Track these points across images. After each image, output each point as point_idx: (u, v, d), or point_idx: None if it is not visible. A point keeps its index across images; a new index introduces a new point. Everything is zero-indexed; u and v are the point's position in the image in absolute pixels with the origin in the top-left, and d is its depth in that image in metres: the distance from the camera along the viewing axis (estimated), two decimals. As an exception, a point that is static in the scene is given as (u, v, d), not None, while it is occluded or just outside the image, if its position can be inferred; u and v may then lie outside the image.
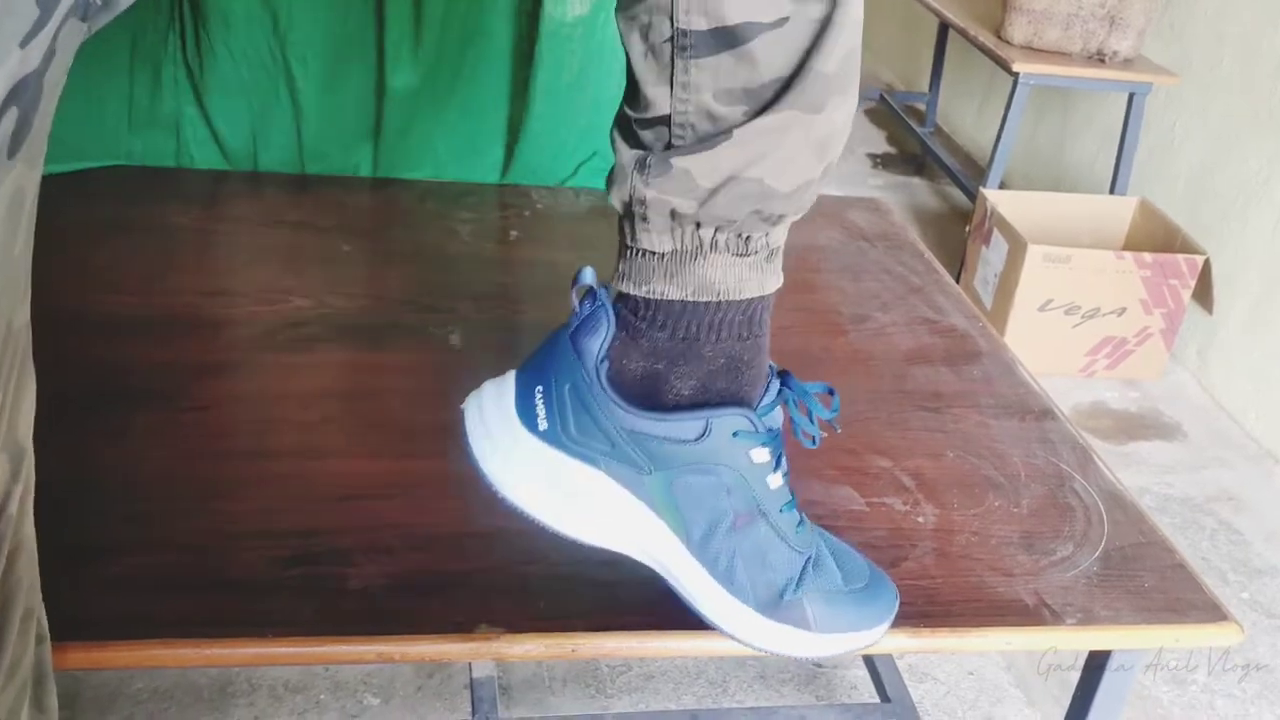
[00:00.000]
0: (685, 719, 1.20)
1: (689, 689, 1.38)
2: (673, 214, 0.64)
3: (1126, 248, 2.34)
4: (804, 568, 0.70)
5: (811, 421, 0.71)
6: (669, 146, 0.63)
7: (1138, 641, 0.80)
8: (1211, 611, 0.81)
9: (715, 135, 0.62)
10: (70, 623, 0.66)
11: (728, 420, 0.66)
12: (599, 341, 0.67)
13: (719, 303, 0.66)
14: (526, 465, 0.69)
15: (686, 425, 0.66)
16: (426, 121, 1.35)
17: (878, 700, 1.29)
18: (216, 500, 0.79)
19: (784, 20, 0.59)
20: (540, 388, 0.69)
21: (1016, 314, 2.13)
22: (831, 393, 0.72)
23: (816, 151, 0.64)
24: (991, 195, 2.29)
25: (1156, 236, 2.27)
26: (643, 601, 0.74)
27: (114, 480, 0.80)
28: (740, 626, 0.70)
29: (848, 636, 0.71)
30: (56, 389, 0.89)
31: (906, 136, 3.40)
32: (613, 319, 0.67)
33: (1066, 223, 2.32)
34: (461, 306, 1.08)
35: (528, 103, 1.32)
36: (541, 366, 0.69)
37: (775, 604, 0.69)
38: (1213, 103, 2.29)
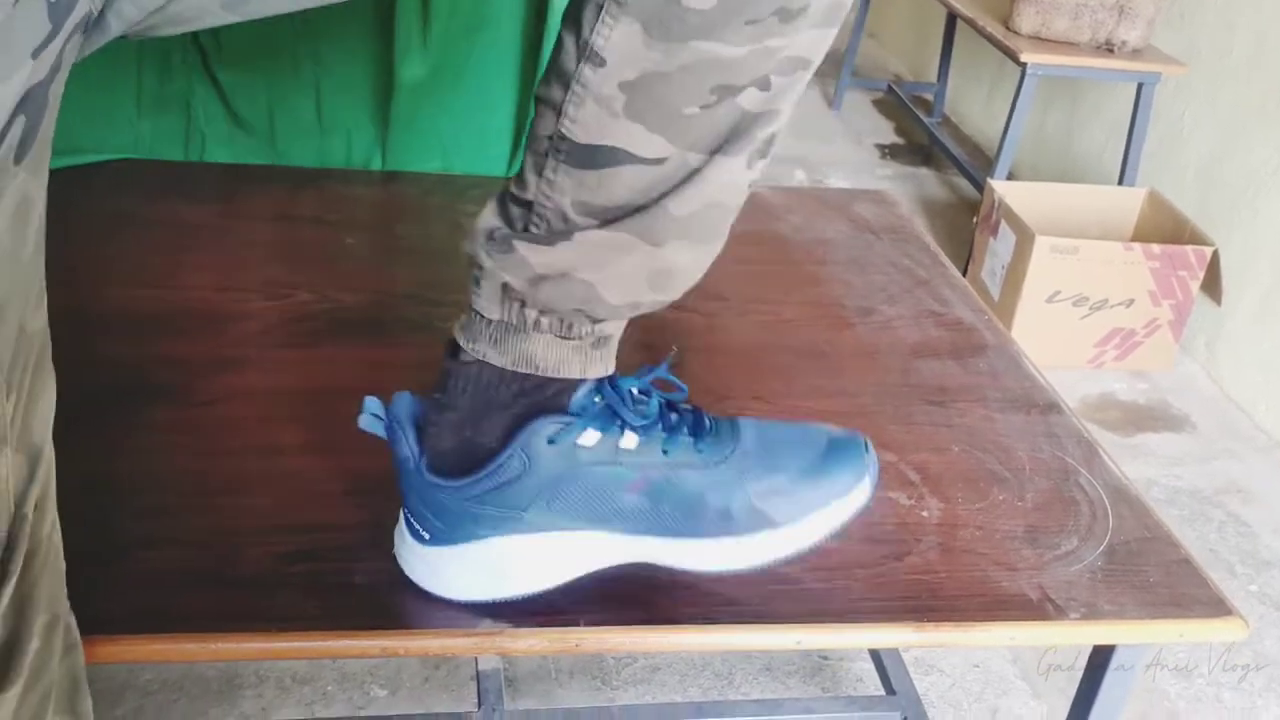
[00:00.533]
0: (691, 711, 1.21)
1: (695, 681, 1.39)
2: (504, 287, 0.66)
3: (1135, 239, 2.33)
4: (727, 470, 0.70)
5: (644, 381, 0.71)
6: (524, 229, 0.65)
7: (1141, 636, 0.80)
8: (1216, 606, 0.81)
9: (562, 233, 0.64)
10: (81, 618, 0.67)
11: (534, 437, 0.67)
12: (408, 448, 0.69)
13: (537, 377, 0.68)
14: (442, 571, 0.72)
15: (506, 467, 0.68)
16: (434, 114, 1.35)
17: (883, 692, 1.29)
18: (225, 496, 0.80)
19: (661, 160, 0.62)
20: (405, 510, 0.72)
21: (1024, 305, 2.13)
22: (667, 364, 0.72)
23: (651, 281, 0.66)
24: (999, 186, 2.29)
25: (1165, 227, 2.26)
26: (645, 595, 0.75)
27: (123, 477, 0.81)
28: (715, 559, 0.71)
29: (824, 511, 0.72)
30: (64, 385, 0.90)
31: (914, 127, 3.39)
32: (409, 424, 0.69)
33: (1074, 214, 2.32)
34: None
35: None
36: (401, 491, 0.72)
37: (729, 521, 0.70)
38: (1222, 92, 2.28)
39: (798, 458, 0.73)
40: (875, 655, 1.34)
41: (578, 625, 0.72)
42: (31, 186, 0.46)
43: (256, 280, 1.08)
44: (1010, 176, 2.52)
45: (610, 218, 0.64)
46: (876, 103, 3.61)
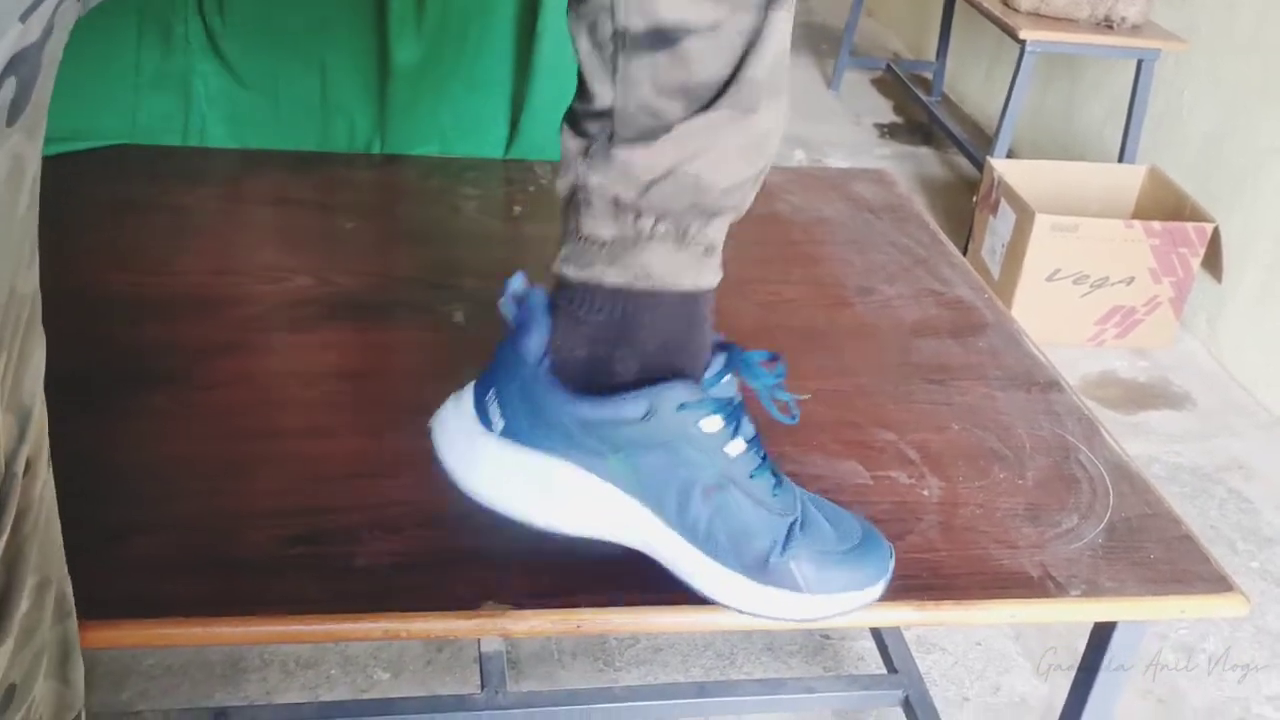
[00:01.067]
0: (693, 691, 1.21)
1: (697, 661, 1.39)
2: (615, 201, 0.67)
3: (1135, 216, 2.33)
4: (788, 530, 0.71)
5: (766, 390, 0.72)
6: (612, 138, 0.66)
7: (1143, 613, 0.80)
8: (1218, 583, 0.81)
9: (655, 130, 0.65)
10: (82, 602, 0.67)
11: (670, 394, 0.68)
12: (537, 340, 0.69)
13: (656, 290, 0.68)
14: (493, 466, 0.72)
15: (630, 405, 0.68)
16: (431, 97, 1.34)
17: (885, 671, 1.30)
18: (225, 480, 0.80)
19: (716, 26, 0.63)
20: (493, 391, 0.71)
21: (1024, 284, 2.12)
22: (775, 359, 0.73)
23: (751, 151, 0.67)
24: (998, 165, 2.28)
25: (1166, 205, 2.26)
26: (647, 576, 0.75)
27: (123, 462, 0.81)
28: (730, 593, 0.71)
29: (841, 597, 0.72)
30: (65, 370, 0.90)
31: (914, 106, 3.38)
32: (547, 317, 0.69)
33: (1074, 191, 2.31)
34: (466, 283, 1.08)
35: (531, 77, 1.32)
36: (492, 373, 0.72)
37: (762, 568, 0.70)
38: (1223, 69, 2.27)
39: (837, 543, 0.73)
40: (877, 634, 1.34)
41: (580, 606, 0.73)
42: (26, 149, 0.45)
43: (255, 264, 1.08)
44: (1010, 154, 2.52)
45: (699, 99, 0.64)
46: (875, 82, 3.59)
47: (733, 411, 0.71)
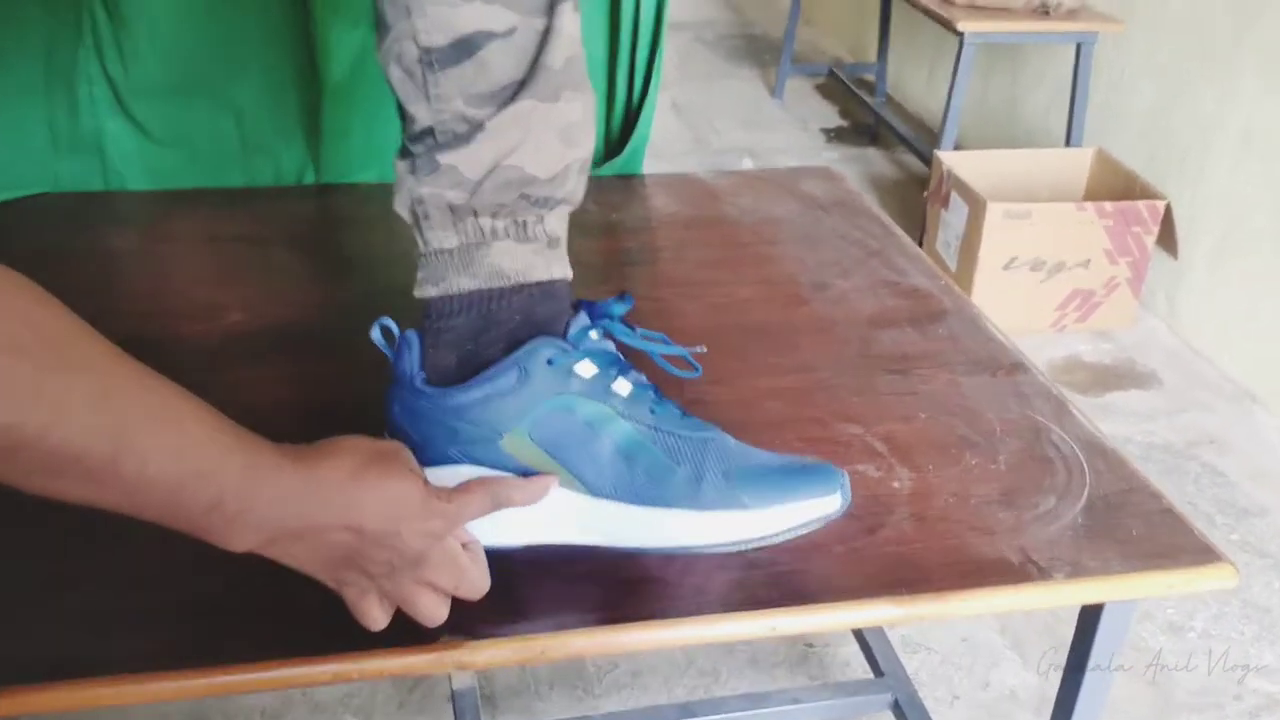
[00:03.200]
0: (677, 713, 1.17)
1: (680, 681, 1.35)
2: (450, 208, 0.71)
3: (1086, 199, 2.32)
4: (708, 448, 0.71)
5: (654, 351, 0.75)
6: (434, 149, 0.70)
7: (1129, 591, 0.77)
8: (1204, 554, 0.78)
9: (471, 132, 0.69)
10: (11, 666, 0.63)
11: (537, 353, 0.69)
12: (408, 361, 0.70)
13: (510, 287, 0.72)
14: None
15: (501, 377, 0.68)
16: (367, 121, 1.30)
17: (872, 676, 1.26)
18: (154, 528, 0.75)
19: (511, 30, 0.68)
20: (386, 431, 0.72)
21: (981, 274, 2.11)
22: (623, 296, 0.74)
23: (562, 139, 0.72)
24: (947, 157, 2.27)
25: (1115, 186, 2.26)
26: (610, 595, 0.71)
27: (53, 515, 0.76)
28: (674, 533, 0.70)
29: (792, 507, 0.71)
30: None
31: (858, 108, 3.38)
32: (417, 341, 0.71)
33: (1024, 179, 2.31)
34: (411, 304, 1.04)
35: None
36: (385, 414, 0.72)
37: (695, 496, 0.70)
38: (1161, 46, 2.28)
39: (775, 460, 0.73)
40: (861, 638, 1.31)
41: (541, 632, 0.69)
42: None
43: (186, 304, 1.03)
44: (957, 148, 2.51)
45: (504, 98, 0.69)
46: (819, 87, 3.59)
47: (609, 359, 0.71)
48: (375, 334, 0.71)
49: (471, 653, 0.67)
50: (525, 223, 0.72)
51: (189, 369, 0.93)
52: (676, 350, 0.76)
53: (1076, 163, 2.35)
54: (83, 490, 0.51)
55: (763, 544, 0.71)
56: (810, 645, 1.41)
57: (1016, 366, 1.00)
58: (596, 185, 1.31)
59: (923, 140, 2.84)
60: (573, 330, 0.71)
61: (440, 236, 0.72)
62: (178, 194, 1.26)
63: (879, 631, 1.30)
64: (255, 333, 0.99)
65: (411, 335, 0.71)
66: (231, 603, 0.69)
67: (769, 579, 0.73)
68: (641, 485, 0.69)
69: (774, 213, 1.27)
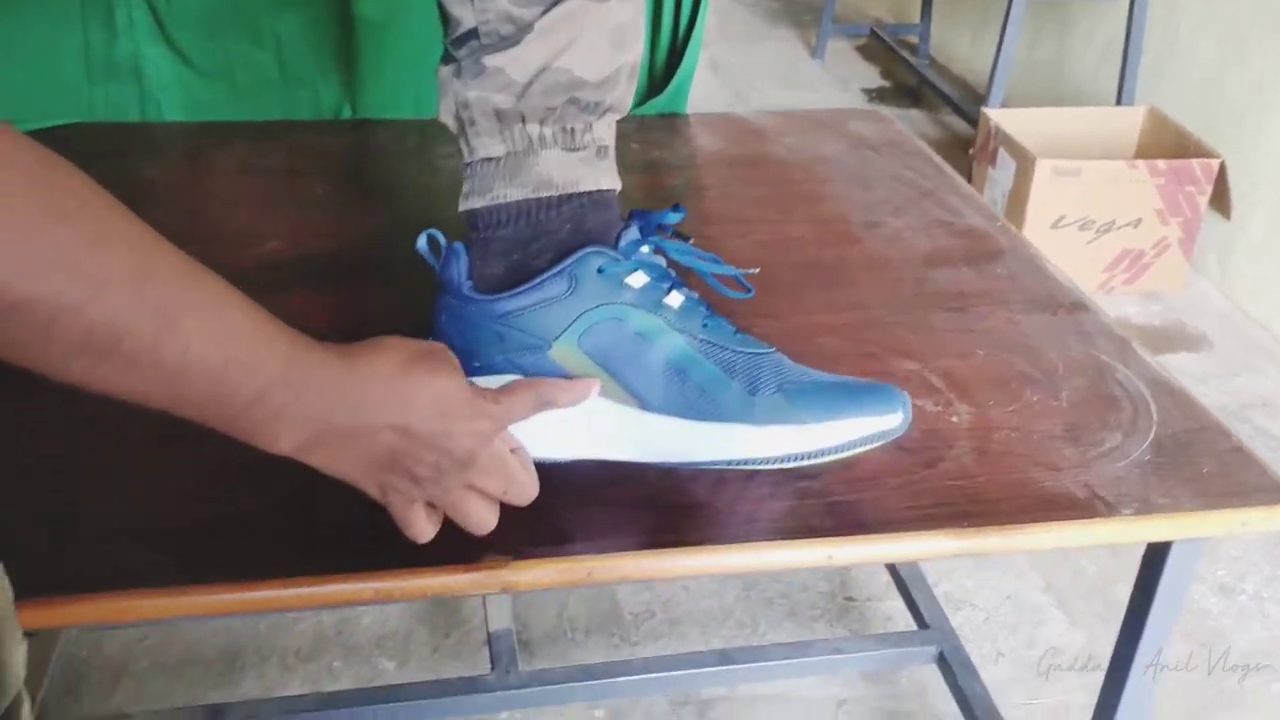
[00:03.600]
0: (715, 659, 1.15)
1: (717, 631, 1.33)
2: (497, 113, 0.68)
3: (1137, 159, 2.26)
4: (762, 364, 0.68)
5: (706, 271, 0.72)
6: (480, 51, 0.68)
7: (1202, 529, 0.73)
8: (1278, 493, 0.75)
9: (518, 33, 0.67)
10: (48, 579, 0.61)
11: (585, 262, 0.67)
12: (456, 269, 0.68)
13: (559, 196, 0.69)
14: None
15: (550, 284, 0.67)
16: (401, 57, 1.28)
17: (915, 628, 1.23)
18: (189, 445, 0.72)
19: None
20: (431, 339, 0.70)
21: (1028, 233, 2.06)
22: (676, 207, 0.71)
23: (612, 41, 0.69)
24: (994, 114, 2.22)
25: (1167, 145, 2.19)
26: (659, 519, 0.69)
27: (89, 434, 0.74)
28: (728, 448, 0.68)
29: (851, 422, 0.68)
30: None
31: (901, 69, 3.31)
32: (464, 251, 0.69)
33: (1073, 138, 2.25)
34: (453, 234, 1.02)
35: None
36: (432, 324, 0.71)
37: (748, 409, 0.67)
38: (1219, 1, 2.21)
39: (833, 379, 0.71)
40: (904, 591, 1.28)
41: (588, 554, 0.66)
42: None
43: (223, 232, 1.01)
44: (1003, 107, 2.45)
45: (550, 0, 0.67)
46: (860, 48, 3.53)
47: (661, 272, 0.69)
48: (421, 244, 0.69)
49: (515, 573, 0.65)
50: (574, 130, 0.70)
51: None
52: (729, 270, 0.73)
53: (1128, 121, 2.29)
54: (123, 377, 0.49)
55: (819, 460, 0.68)
56: (851, 599, 1.39)
57: (1078, 305, 0.96)
58: (639, 124, 1.28)
59: (967, 102, 2.78)
60: (624, 241, 0.69)
61: (486, 144, 0.70)
62: (214, 125, 1.24)
63: (923, 584, 1.27)
64: (291, 261, 0.97)
65: (459, 246, 0.69)
66: (272, 521, 0.67)
67: (824, 509, 0.71)
68: (693, 399, 0.67)
69: (822, 152, 1.23)
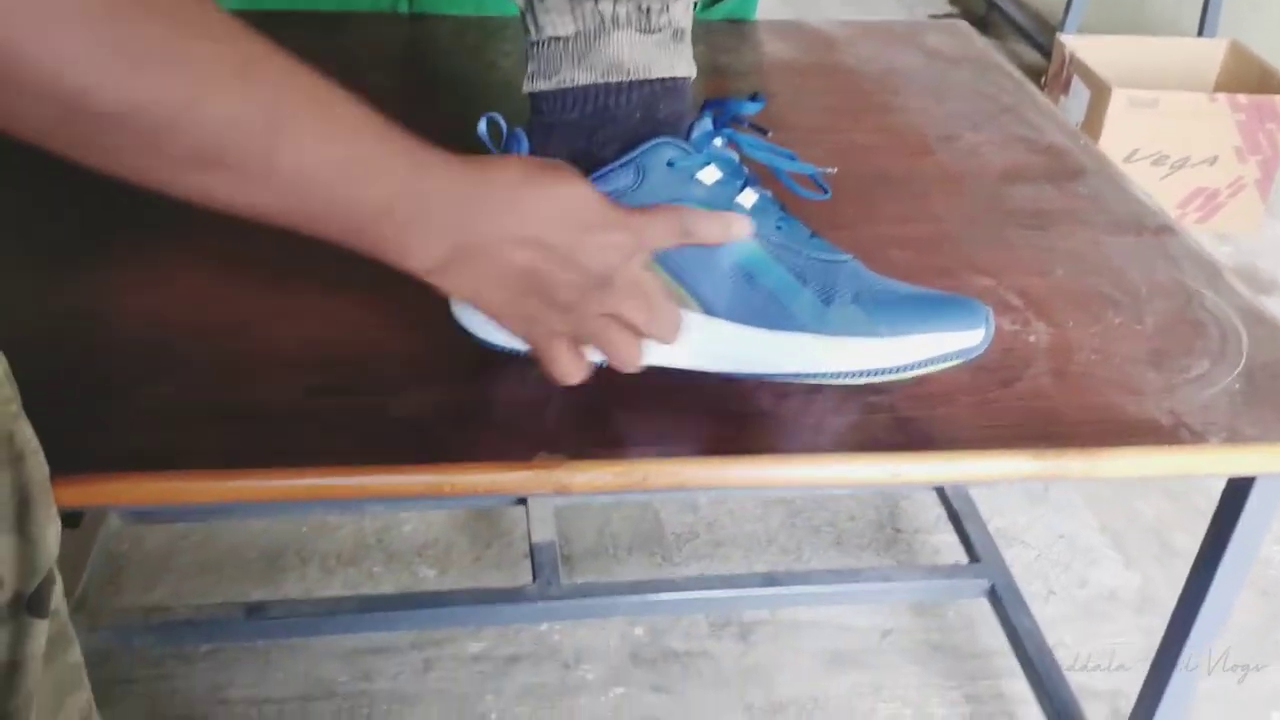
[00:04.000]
0: (760, 582, 1.13)
1: (760, 556, 1.30)
2: None
3: (1218, 91, 2.17)
4: (838, 271, 0.64)
5: (781, 169, 0.68)
6: None
7: (1293, 462, 0.69)
8: (1377, 429, 0.70)
9: None
10: (76, 457, 0.58)
11: (655, 153, 0.63)
12: (517, 150, 0.65)
13: (629, 82, 0.65)
14: None
15: (617, 175, 0.63)
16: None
17: (967, 562, 1.20)
18: (240, 325, 0.71)
19: None
20: None
21: (1098, 167, 1.98)
22: (755, 96, 0.67)
23: None
24: (1070, 41, 2.13)
25: (1249, 81, 2.10)
26: (719, 425, 0.66)
27: (125, 310, 0.72)
28: (796, 359, 0.64)
29: (931, 337, 0.64)
30: (60, 216, 0.81)
31: (970, -4, 3.20)
32: (524, 135, 0.65)
33: (1150, 70, 2.15)
34: (512, 122, 0.98)
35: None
36: None
37: (821, 317, 0.63)
38: (1314, -71, 2.10)
39: (913, 289, 0.67)
40: (957, 523, 1.25)
41: (646, 458, 0.63)
42: None
43: (274, 120, 0.98)
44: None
45: None
46: (928, -26, 3.41)
47: (734, 167, 0.65)
48: (482, 129, 0.65)
49: (570, 473, 0.62)
50: (649, 9, 0.65)
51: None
52: (806, 168, 0.68)
53: (1208, 54, 2.19)
54: (235, 188, 0.46)
55: (894, 376, 0.65)
56: (899, 530, 1.36)
57: (1164, 229, 0.91)
58: (705, 29, 1.22)
59: (1039, 30, 2.68)
60: (696, 133, 0.65)
61: (555, 21, 0.65)
62: (270, 14, 1.20)
63: (976, 518, 1.24)
64: (346, 151, 0.94)
65: (519, 131, 0.65)
66: (318, 407, 0.65)
67: (892, 424, 0.67)
68: (762, 305, 0.63)
69: (896, 64, 1.18)
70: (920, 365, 0.65)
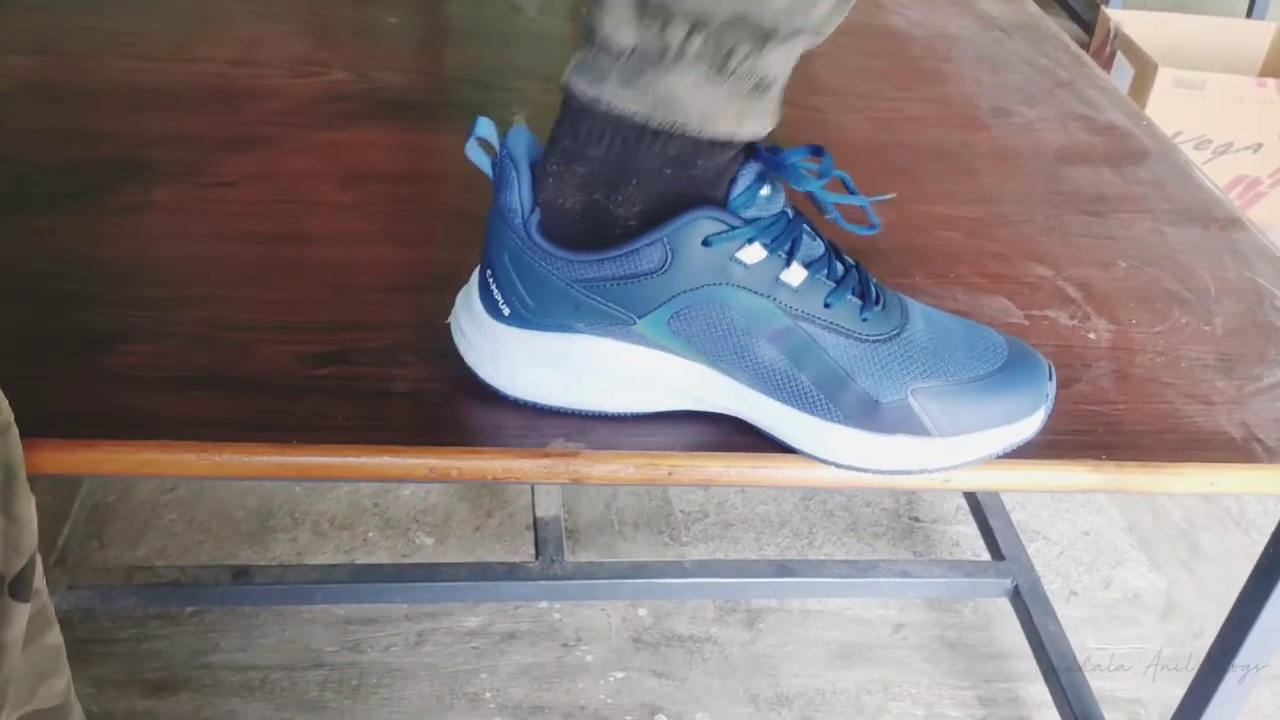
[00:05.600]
0: (772, 570, 1.07)
1: (771, 540, 1.25)
2: None
3: (1264, 75, 2.09)
4: (889, 355, 0.56)
5: (824, 197, 0.55)
6: None
7: (1377, 487, 0.64)
8: None
9: None
10: (67, 419, 0.54)
11: (691, 229, 0.53)
12: (520, 193, 0.55)
13: (671, 132, 0.52)
14: (514, 355, 0.57)
15: (642, 255, 0.53)
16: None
17: (988, 558, 1.15)
18: (237, 287, 0.65)
19: None
20: (489, 272, 0.58)
21: (1138, 148, 1.91)
22: (819, 153, 0.55)
23: None
24: (1115, 14, 2.05)
25: (1299, 66, 2.02)
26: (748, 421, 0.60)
27: (125, 261, 0.66)
28: (838, 450, 0.56)
29: (985, 435, 0.57)
30: (68, 161, 0.75)
31: (1007, -36, 3.10)
32: (527, 164, 0.55)
33: (1195, 49, 2.07)
34: (528, 86, 0.91)
35: None
36: (486, 247, 0.58)
37: (872, 413, 0.55)
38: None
39: (971, 366, 0.57)
40: (980, 517, 1.19)
41: (670, 450, 0.58)
42: None
43: (282, 56, 0.92)
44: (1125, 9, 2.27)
45: None
46: (965, -61, 3.31)
47: (781, 232, 0.54)
48: (470, 150, 0.55)
49: (588, 464, 0.56)
50: (732, 51, 0.51)
51: (284, 120, 0.83)
52: (859, 200, 0.57)
53: (1256, 36, 2.11)
54: None
55: (945, 473, 0.58)
56: (917, 519, 1.30)
57: (1232, 221, 0.85)
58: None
59: (1083, 3, 2.58)
60: (738, 189, 0.54)
61: (616, 26, 0.51)
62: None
63: (1001, 512, 1.18)
64: (358, 94, 0.88)
65: (522, 165, 0.55)
66: (314, 376, 0.59)
67: (940, 424, 0.61)
68: (807, 392, 0.55)
69: (947, 29, 1.11)
70: (973, 462, 0.58)
